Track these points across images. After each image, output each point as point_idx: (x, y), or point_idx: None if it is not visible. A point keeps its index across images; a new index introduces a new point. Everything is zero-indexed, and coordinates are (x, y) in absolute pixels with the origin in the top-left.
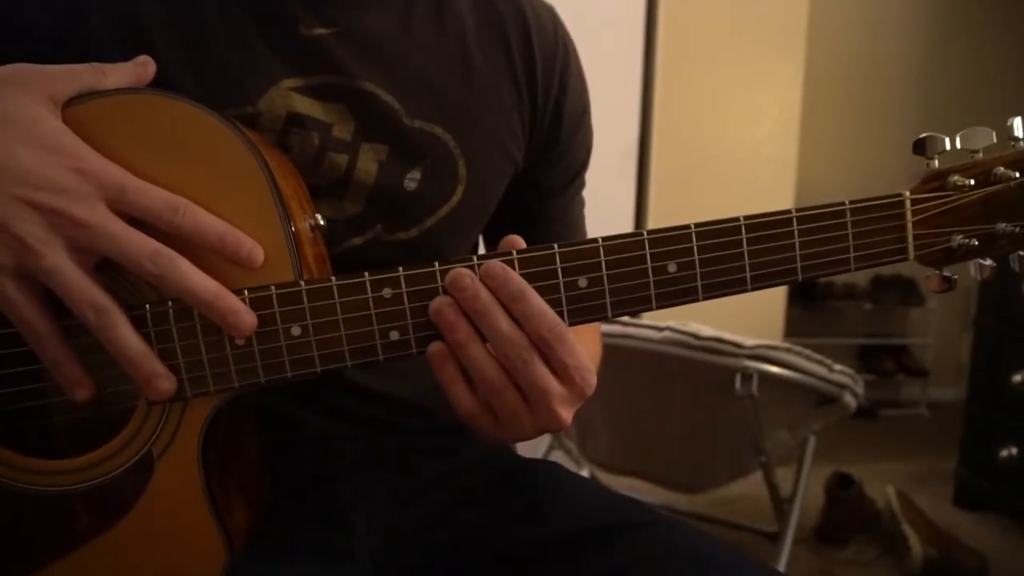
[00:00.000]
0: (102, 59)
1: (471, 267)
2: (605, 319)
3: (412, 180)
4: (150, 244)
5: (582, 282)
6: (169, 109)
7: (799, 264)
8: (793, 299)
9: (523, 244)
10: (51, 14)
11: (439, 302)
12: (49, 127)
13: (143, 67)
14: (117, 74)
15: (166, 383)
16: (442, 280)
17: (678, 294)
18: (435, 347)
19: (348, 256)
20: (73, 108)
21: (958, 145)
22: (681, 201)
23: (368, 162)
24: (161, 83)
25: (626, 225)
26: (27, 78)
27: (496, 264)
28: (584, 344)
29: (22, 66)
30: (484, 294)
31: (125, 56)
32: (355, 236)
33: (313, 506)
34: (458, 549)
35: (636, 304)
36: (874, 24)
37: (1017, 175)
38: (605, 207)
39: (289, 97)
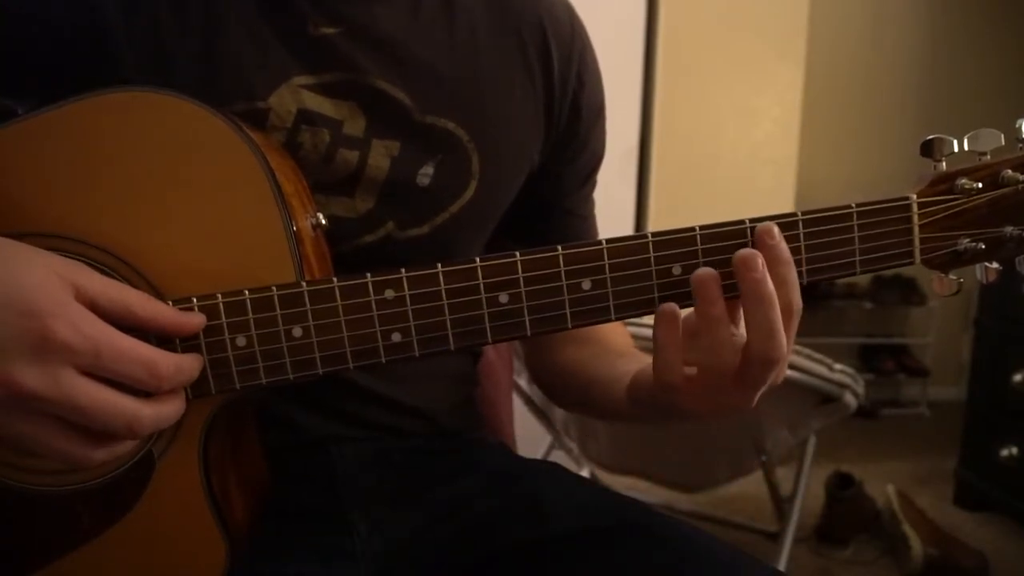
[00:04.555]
0: (116, 52)
1: (474, 267)
2: (609, 322)
3: (425, 175)
4: (124, 411)
5: (586, 284)
6: (171, 108)
7: (804, 268)
8: None
9: None
10: (72, 11)
11: (706, 272)
12: (36, 289)
13: (187, 319)
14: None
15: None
16: (445, 282)
17: (682, 297)
18: (668, 307)
19: (359, 254)
20: (72, 105)
21: (965, 147)
22: (681, 202)
23: (380, 158)
24: (172, 77)
25: (626, 226)
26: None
27: (772, 225)
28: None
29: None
30: (786, 246)
31: (137, 50)
32: (367, 234)
33: (314, 507)
34: (459, 550)
35: (640, 307)
36: (874, 25)
37: None
38: (605, 208)
39: (300, 94)
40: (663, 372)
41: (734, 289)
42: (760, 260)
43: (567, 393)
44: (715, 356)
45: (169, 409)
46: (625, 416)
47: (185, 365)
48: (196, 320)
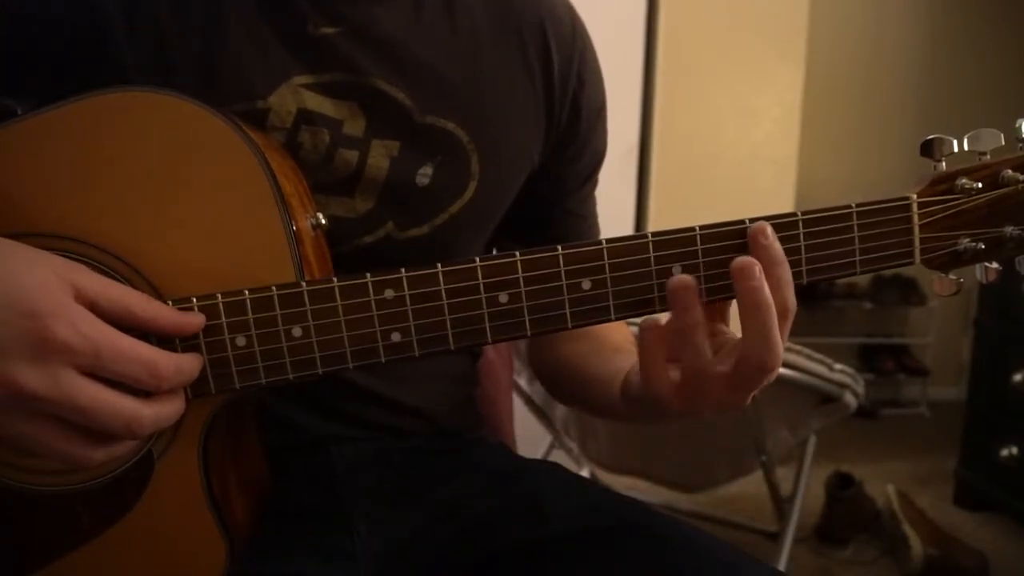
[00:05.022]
0: (116, 52)
1: (474, 267)
2: (609, 322)
3: (424, 176)
4: (124, 412)
5: (585, 284)
6: (171, 108)
7: (804, 268)
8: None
9: None
10: (74, 12)
11: (681, 280)
12: (36, 290)
13: (187, 320)
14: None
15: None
16: (445, 282)
17: None
18: (649, 321)
19: (359, 254)
20: (71, 105)
21: (965, 147)
22: (681, 202)
23: (379, 158)
24: (173, 76)
25: (626, 226)
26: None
27: (766, 225)
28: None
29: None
30: (780, 247)
31: (137, 50)
32: (366, 234)
33: (314, 507)
34: (459, 550)
35: (640, 307)
36: (874, 24)
37: None
38: (605, 207)
39: (300, 94)
40: (648, 375)
41: (721, 292)
42: (757, 268)
43: (566, 389)
44: (696, 359)
45: (169, 409)
46: (623, 415)
47: (185, 365)
48: (196, 320)
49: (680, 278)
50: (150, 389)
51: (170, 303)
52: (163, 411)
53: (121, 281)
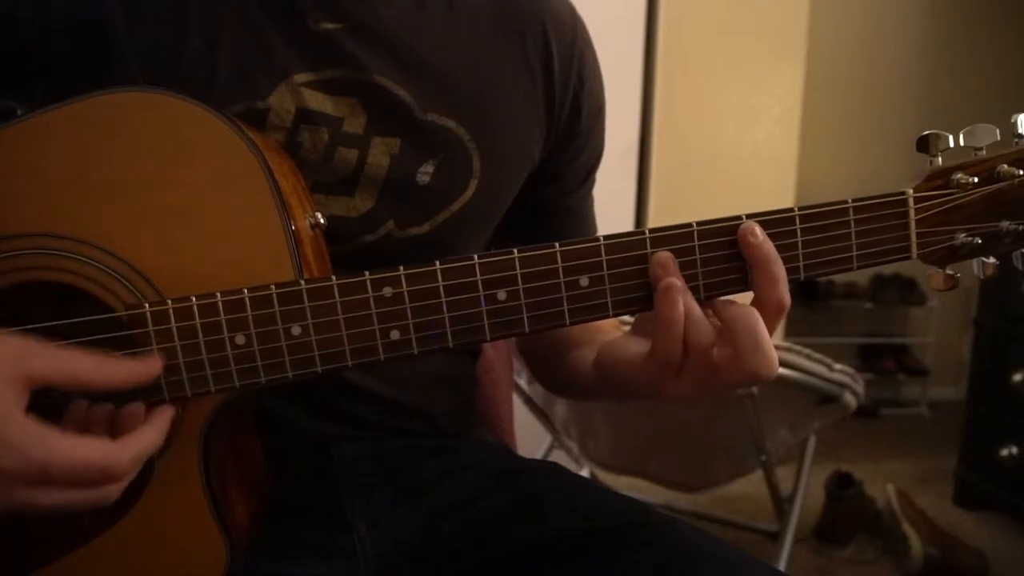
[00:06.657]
0: (117, 52)
1: (472, 265)
2: (607, 318)
3: (425, 174)
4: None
5: (583, 281)
6: (171, 108)
7: (801, 263)
8: (794, 298)
9: None
10: (74, 12)
11: (661, 256)
12: None
13: (143, 370)
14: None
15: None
16: (443, 279)
17: None
18: (668, 282)
19: (360, 254)
20: (71, 105)
21: (961, 142)
22: (682, 201)
23: (380, 155)
24: (173, 76)
25: (627, 225)
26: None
27: (754, 224)
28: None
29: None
30: (771, 244)
31: (138, 49)
32: (367, 233)
33: (314, 507)
34: (458, 549)
35: (638, 304)
36: (874, 24)
37: (1021, 173)
38: (606, 207)
39: (300, 92)
40: (661, 350)
41: (718, 288)
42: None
43: (547, 372)
44: (697, 328)
45: (146, 442)
46: (594, 391)
47: (144, 444)
48: (152, 368)
49: (661, 254)
50: (112, 485)
51: (170, 303)
52: (142, 445)
53: (121, 281)
